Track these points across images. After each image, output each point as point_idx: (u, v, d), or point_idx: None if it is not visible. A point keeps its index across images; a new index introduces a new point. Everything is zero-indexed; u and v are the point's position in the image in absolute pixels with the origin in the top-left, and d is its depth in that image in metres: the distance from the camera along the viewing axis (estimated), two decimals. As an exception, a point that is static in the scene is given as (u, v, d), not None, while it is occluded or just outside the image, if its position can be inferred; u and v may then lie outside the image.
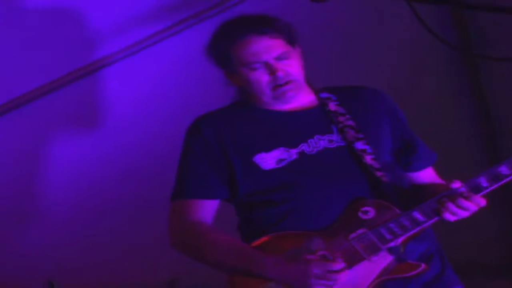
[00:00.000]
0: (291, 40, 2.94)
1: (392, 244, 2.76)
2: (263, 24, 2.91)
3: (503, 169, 2.81)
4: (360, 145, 2.90)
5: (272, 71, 2.88)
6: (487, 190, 2.81)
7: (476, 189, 2.79)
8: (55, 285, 4.05)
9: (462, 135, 4.83)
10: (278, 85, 2.89)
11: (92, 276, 4.65)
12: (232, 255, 2.81)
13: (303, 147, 2.89)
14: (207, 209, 2.92)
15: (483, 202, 2.80)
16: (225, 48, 2.93)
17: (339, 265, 2.70)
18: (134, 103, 4.33)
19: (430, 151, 3.07)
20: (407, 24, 3.85)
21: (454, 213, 2.78)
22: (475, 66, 4.70)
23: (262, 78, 2.90)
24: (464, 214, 2.80)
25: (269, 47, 2.89)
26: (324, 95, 3.01)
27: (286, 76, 2.89)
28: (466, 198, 2.77)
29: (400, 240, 2.77)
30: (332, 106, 2.97)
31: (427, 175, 3.05)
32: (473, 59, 4.68)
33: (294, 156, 2.87)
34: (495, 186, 2.81)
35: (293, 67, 2.92)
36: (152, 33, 4.21)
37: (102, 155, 4.40)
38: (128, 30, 4.27)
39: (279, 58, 2.89)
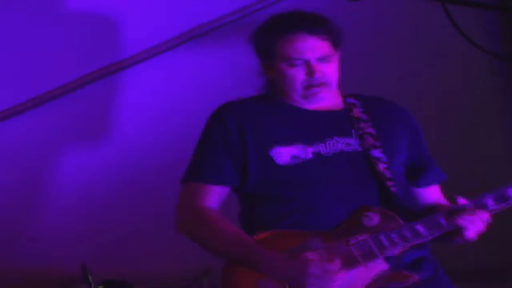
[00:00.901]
0: (336, 44, 2.94)
1: (390, 253, 2.77)
2: (315, 24, 2.90)
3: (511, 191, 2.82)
4: (376, 153, 2.90)
5: (310, 71, 2.89)
6: (492, 209, 2.81)
7: (482, 208, 2.80)
8: (88, 270, 4.13)
9: (505, 143, 4.82)
10: (312, 85, 2.90)
11: (127, 264, 4.72)
12: (235, 246, 2.81)
13: (320, 147, 2.89)
14: (217, 195, 2.92)
15: (487, 216, 2.80)
16: (272, 39, 2.92)
17: (336, 266, 2.70)
18: (151, 105, 4.47)
19: (440, 171, 3.07)
20: (451, 32, 3.88)
21: (456, 225, 2.79)
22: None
23: (298, 75, 2.90)
24: (470, 230, 2.80)
25: (315, 47, 2.89)
26: (351, 100, 3.02)
27: (322, 78, 2.90)
28: (471, 212, 2.78)
29: (399, 250, 2.78)
30: (356, 112, 2.98)
31: (433, 193, 3.05)
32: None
33: (310, 156, 2.87)
34: (501, 206, 2.81)
35: (331, 70, 2.93)
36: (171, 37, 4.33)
37: (128, 148, 4.53)
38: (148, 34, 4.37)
39: (321, 60, 2.90)
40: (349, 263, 2.74)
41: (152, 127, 4.54)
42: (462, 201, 2.81)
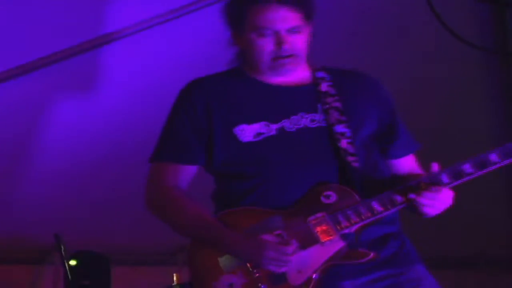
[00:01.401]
0: (308, 16, 2.91)
1: (346, 230, 2.78)
2: None
3: (467, 167, 2.80)
4: (340, 128, 2.88)
5: (279, 42, 2.86)
6: (448, 186, 2.79)
7: (437, 183, 2.77)
8: (61, 240, 4.10)
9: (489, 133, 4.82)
10: (280, 57, 2.88)
11: (103, 236, 4.73)
12: (196, 225, 2.86)
13: (284, 123, 2.89)
14: (184, 174, 2.94)
15: (443, 191, 2.78)
16: (243, 8, 2.90)
17: (292, 247, 2.75)
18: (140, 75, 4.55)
19: (412, 140, 3.04)
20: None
21: (411, 201, 2.77)
22: (508, 66, 4.71)
23: (267, 46, 2.87)
24: (426, 206, 2.78)
25: (286, 18, 2.87)
26: (320, 74, 2.99)
27: (291, 49, 2.88)
28: (426, 188, 2.76)
29: (355, 227, 2.79)
30: (324, 86, 2.96)
31: (407, 164, 3.02)
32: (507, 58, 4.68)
33: (273, 132, 2.88)
34: (457, 183, 2.80)
35: (300, 42, 2.89)
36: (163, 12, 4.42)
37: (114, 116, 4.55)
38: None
39: (291, 31, 2.87)
40: (307, 240, 2.78)
41: (133, 103, 4.55)
42: (435, 167, 2.79)
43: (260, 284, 2.78)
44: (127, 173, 4.55)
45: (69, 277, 4.28)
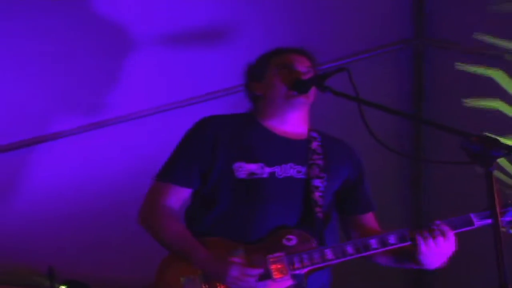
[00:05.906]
0: (314, 67, 3.36)
1: (297, 271, 3.11)
2: (304, 49, 3.37)
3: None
4: (317, 182, 3.25)
5: (296, 75, 3.26)
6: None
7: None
8: (54, 271, 4.48)
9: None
10: (294, 88, 3.24)
11: (89, 268, 5.08)
12: (177, 239, 3.19)
13: (276, 169, 3.23)
14: (179, 196, 3.27)
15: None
16: (268, 58, 3.35)
17: (255, 271, 3.06)
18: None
19: (373, 202, 3.45)
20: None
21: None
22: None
23: (286, 77, 3.28)
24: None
25: (303, 62, 3.32)
26: (314, 134, 3.38)
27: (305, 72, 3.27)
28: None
29: (306, 270, 3.11)
30: (314, 145, 3.33)
31: (367, 221, 3.42)
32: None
33: (265, 175, 3.22)
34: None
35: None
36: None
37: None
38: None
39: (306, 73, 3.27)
40: (263, 275, 3.08)
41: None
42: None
43: None
44: (115, 213, 4.90)
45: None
